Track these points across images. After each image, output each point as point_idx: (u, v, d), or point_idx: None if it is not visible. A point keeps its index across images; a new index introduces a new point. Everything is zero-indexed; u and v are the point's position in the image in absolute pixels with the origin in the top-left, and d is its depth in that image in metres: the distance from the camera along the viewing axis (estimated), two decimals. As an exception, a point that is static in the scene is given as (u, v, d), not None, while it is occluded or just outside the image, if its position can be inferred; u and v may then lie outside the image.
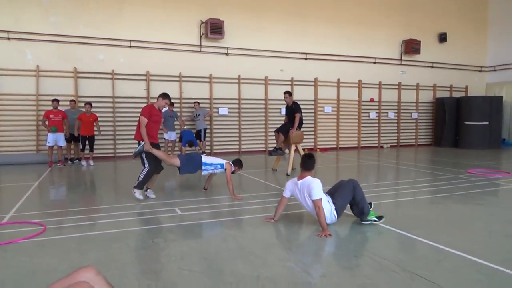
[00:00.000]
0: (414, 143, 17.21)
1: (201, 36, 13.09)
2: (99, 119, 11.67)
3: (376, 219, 4.63)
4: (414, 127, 17.24)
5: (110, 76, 12.12)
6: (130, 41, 12.26)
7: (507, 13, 17.51)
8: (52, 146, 10.35)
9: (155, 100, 6.57)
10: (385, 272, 3.25)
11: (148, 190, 6.38)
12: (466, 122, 15.78)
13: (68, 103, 11.10)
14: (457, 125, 16.27)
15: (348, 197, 4.59)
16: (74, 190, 7.50)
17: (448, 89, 17.77)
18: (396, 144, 16.79)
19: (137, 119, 12.14)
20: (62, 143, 10.47)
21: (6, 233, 4.40)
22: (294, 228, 4.64)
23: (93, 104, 11.71)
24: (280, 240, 4.10)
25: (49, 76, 11.45)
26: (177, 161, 6.31)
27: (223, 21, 12.93)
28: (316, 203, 4.29)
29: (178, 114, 12.54)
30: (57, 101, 10.42)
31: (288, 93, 9.03)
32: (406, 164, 10.94)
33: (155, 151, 6.26)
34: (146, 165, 6.23)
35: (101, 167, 10.52)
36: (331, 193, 4.76)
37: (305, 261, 3.49)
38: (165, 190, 7.53)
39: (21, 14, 11.07)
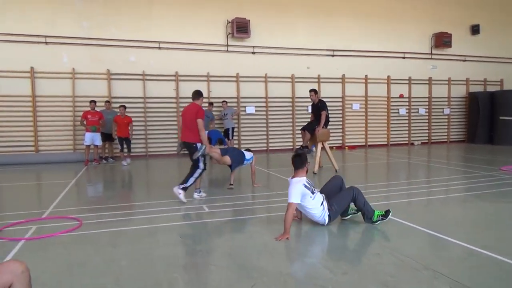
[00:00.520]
0: (446, 140, 16.74)
1: (227, 36, 13.28)
2: (132, 119, 12.14)
3: (384, 217, 4.56)
4: (446, 123, 16.76)
5: (141, 77, 12.52)
6: (159, 42, 12.61)
7: (547, 2, 16.68)
8: (89, 145, 10.84)
9: (193, 100, 6.23)
10: (407, 270, 3.27)
11: (199, 190, 6.35)
12: (501, 118, 15.19)
13: (103, 104, 11.57)
14: (491, 121, 15.69)
15: (346, 204, 4.55)
16: (108, 188, 7.85)
17: (482, 83, 17.15)
18: (427, 141, 16.39)
19: (167, 118, 12.70)
20: (98, 142, 10.97)
21: (46, 227, 4.71)
22: (317, 226, 4.69)
23: (126, 105, 12.20)
24: (304, 237, 4.18)
25: (83, 78, 11.98)
26: (228, 160, 6.76)
27: (249, 20, 13.06)
28: (288, 206, 4.20)
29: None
30: (95, 102, 10.92)
31: (314, 91, 9.03)
32: (438, 162, 10.70)
33: (213, 153, 6.59)
34: (201, 165, 6.17)
35: (133, 165, 10.91)
36: (327, 193, 4.67)
37: (327, 258, 3.56)
38: (192, 189, 7.75)
39: (57, 20, 11.62)
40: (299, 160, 4.47)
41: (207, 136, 7.37)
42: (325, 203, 4.46)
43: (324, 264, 3.43)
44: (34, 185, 8.45)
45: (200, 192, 6.34)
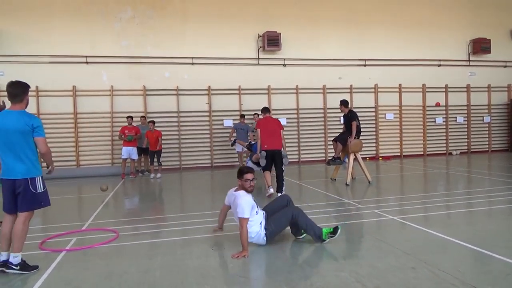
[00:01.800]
0: (487, 149, 16.00)
1: (258, 49, 13.47)
2: (166, 132, 12.52)
3: (333, 234, 4.27)
4: (487, 132, 16.04)
5: (175, 92, 12.90)
6: (193, 58, 12.97)
7: None
8: (126, 159, 11.25)
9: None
10: (443, 285, 3.17)
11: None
12: (548, 125, 14.38)
13: (139, 119, 12.00)
14: (537, 128, 14.89)
15: (283, 225, 4.35)
16: (144, 200, 8.10)
17: (526, 89, 16.35)
18: (466, 150, 15.75)
19: (201, 131, 12.96)
20: (135, 156, 11.35)
21: (85, 239, 4.93)
22: (351, 239, 4.63)
23: (160, 119, 12.65)
24: (336, 251, 4.12)
25: (121, 94, 12.49)
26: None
27: (280, 33, 13.20)
28: (240, 222, 4.09)
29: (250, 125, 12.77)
30: (131, 117, 11.35)
31: (342, 104, 8.96)
32: (478, 172, 10.26)
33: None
34: (284, 168, 7.46)
35: (168, 178, 11.19)
36: (269, 211, 4.50)
37: (359, 272, 3.50)
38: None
39: (97, 40, 12.25)
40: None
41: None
42: (263, 222, 4.29)
43: (356, 277, 3.38)
44: (75, 198, 8.85)
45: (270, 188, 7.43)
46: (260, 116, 12.85)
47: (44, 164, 4.07)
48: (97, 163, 12.32)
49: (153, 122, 11.43)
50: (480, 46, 15.31)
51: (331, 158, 9.35)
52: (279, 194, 6.77)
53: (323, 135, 14.19)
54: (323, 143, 14.21)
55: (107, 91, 12.39)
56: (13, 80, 3.83)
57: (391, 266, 3.63)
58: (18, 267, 3.68)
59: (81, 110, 12.22)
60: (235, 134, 12.07)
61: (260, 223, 4.26)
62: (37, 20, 11.87)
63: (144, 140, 11.32)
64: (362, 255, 4.00)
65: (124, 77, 12.47)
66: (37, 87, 11.56)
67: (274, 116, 13.24)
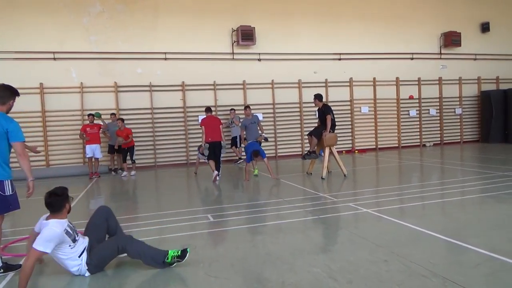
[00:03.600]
0: (459, 140, 16.39)
1: (233, 44, 13.30)
2: (139, 130, 12.25)
3: (180, 259, 3.63)
4: (459, 123, 16.42)
5: (148, 88, 12.60)
6: (165, 53, 12.69)
7: (558, -4, 16.31)
8: (91, 158, 10.90)
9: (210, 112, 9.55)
10: (415, 277, 3.14)
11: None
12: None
13: (109, 116, 11.67)
14: (505, 119, 15.33)
15: (108, 259, 3.66)
16: (116, 200, 7.85)
17: (494, 81, 16.78)
18: (439, 142, 16.08)
19: (175, 128, 12.75)
20: (98, 155, 11.02)
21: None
22: (326, 233, 4.59)
23: (133, 116, 12.35)
24: (310, 246, 4.06)
25: (92, 91, 12.10)
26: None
27: (254, 27, 13.06)
28: (30, 252, 3.31)
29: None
30: (93, 115, 11.05)
31: (316, 98, 8.95)
32: (451, 163, 10.45)
33: None
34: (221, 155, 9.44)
35: (141, 176, 10.93)
36: (93, 235, 3.82)
37: (332, 267, 3.45)
38: (201, 197, 7.71)
39: (65, 36, 11.80)
40: (57, 201, 3.53)
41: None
42: (84, 255, 3.54)
43: (329, 273, 3.32)
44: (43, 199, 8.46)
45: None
46: (236, 112, 12.99)
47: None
48: (67, 162, 11.92)
49: (122, 120, 11.14)
50: (451, 39, 15.61)
51: (306, 152, 9.33)
52: (215, 173, 8.92)
53: (299, 129, 14.18)
54: (299, 137, 14.20)
55: (76, 88, 11.98)
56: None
57: (364, 259, 3.59)
58: (1, 270, 3.63)
59: (50, 108, 11.77)
60: (244, 133, 10.69)
61: (81, 256, 3.52)
62: (2, 15, 11.34)
63: (117, 139, 11.02)
64: (336, 249, 3.96)
65: (94, 73, 12.08)
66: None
67: (252, 111, 13.33)
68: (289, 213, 5.58)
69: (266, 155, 9.21)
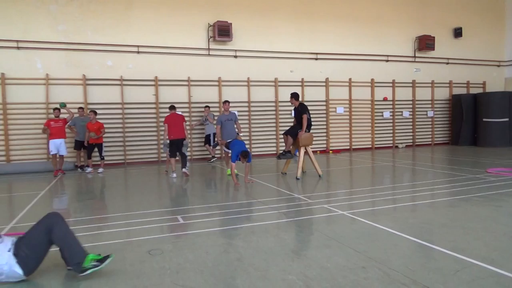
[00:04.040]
0: (430, 142, 16.69)
1: (209, 39, 12.97)
2: (109, 125, 11.75)
3: (100, 262, 3.27)
4: (430, 126, 16.72)
5: (119, 82, 12.09)
6: (138, 46, 12.22)
7: (526, 5, 16.86)
8: (56, 154, 10.31)
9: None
10: (394, 285, 2.99)
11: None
12: (484, 119, 15.21)
13: (77, 110, 11.12)
14: (475, 123, 15.71)
15: (42, 246, 3.24)
16: (78, 199, 7.40)
17: (465, 85, 17.19)
18: (411, 143, 16.31)
19: (147, 124, 12.31)
20: (63, 151, 10.38)
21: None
22: (301, 237, 4.39)
23: (103, 111, 11.82)
24: (284, 251, 3.86)
25: (58, 84, 11.49)
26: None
27: (231, 23, 12.78)
28: None
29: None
30: (58, 109, 10.43)
31: (292, 96, 8.79)
32: (422, 165, 10.55)
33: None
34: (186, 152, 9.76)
35: (109, 174, 10.46)
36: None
37: (308, 274, 3.25)
38: (171, 197, 7.39)
39: (29, 23, 11.14)
40: None
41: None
42: (12, 248, 3.16)
43: (305, 280, 3.12)
44: (1, 197, 7.91)
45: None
46: (211, 110, 12.67)
47: None
48: (31, 158, 11.27)
49: (95, 113, 10.63)
50: (425, 43, 15.84)
51: (281, 152, 9.15)
52: (184, 170, 9.22)
53: (274, 128, 14.02)
54: (274, 136, 14.04)
55: (41, 80, 11.35)
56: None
57: (342, 266, 3.41)
58: None
59: (11, 100, 11.10)
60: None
61: (9, 251, 3.15)
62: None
63: (86, 133, 10.50)
64: (312, 254, 3.76)
65: (61, 65, 11.48)
66: (-42, 73, 10.38)
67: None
68: (263, 215, 5.36)
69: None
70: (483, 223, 4.73)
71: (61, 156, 10.43)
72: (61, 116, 10.62)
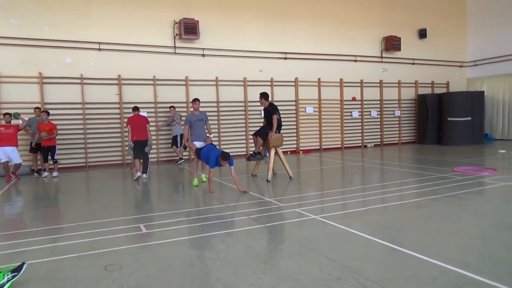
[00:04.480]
0: (397, 141, 16.96)
1: (175, 37, 12.52)
2: (69, 126, 11.14)
3: (16, 273, 3.18)
4: (397, 125, 16.99)
5: (78, 81, 11.44)
6: (99, 43, 11.60)
7: (486, 6, 17.44)
8: (7, 161, 9.51)
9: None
10: (372, 299, 2.79)
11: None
12: (449, 118, 15.60)
13: (32, 110, 10.41)
14: (440, 122, 16.09)
15: None
16: (31, 207, 6.84)
17: (430, 85, 17.60)
18: (379, 143, 16.51)
19: (110, 125, 11.68)
20: (17, 159, 9.62)
21: None
22: (272, 246, 4.14)
23: (62, 111, 11.19)
24: (255, 261, 3.59)
25: (11, 82, 10.72)
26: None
27: (198, 21, 12.39)
28: None
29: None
30: (9, 114, 9.71)
31: (262, 96, 8.54)
32: (391, 164, 10.61)
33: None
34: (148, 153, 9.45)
35: (67, 178, 9.84)
36: None
37: (274, 283, 3.00)
38: (133, 203, 6.97)
39: (-22, 17, 10.32)
40: None
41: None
42: None
43: (277, 297, 2.87)
44: None
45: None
46: (178, 110, 12.22)
47: None
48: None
49: (47, 113, 9.95)
50: (392, 44, 16.07)
51: (251, 153, 8.89)
52: (144, 175, 9.11)
53: (244, 129, 13.75)
54: (244, 137, 13.78)
55: (-8, 78, 10.55)
56: None
57: (315, 277, 3.19)
58: None
59: (-41, 100, 10.26)
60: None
61: None
62: None
63: (36, 134, 9.82)
64: (284, 265, 3.51)
65: (14, 61, 10.71)
66: None
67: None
68: (232, 221, 5.09)
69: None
70: (454, 223, 4.66)
71: (16, 165, 9.66)
72: (13, 122, 9.86)
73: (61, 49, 11.20)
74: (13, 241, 4.54)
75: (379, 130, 16.51)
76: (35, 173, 10.42)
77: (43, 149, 9.96)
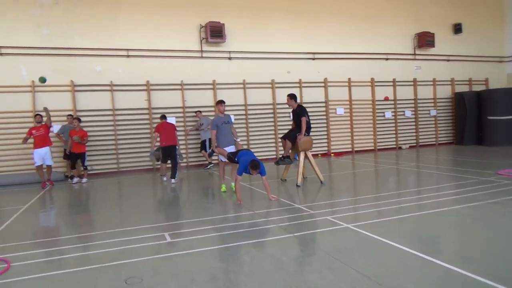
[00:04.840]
0: (434, 142, 16.17)
1: (201, 41, 12.48)
2: (100, 133, 11.32)
3: None
4: (434, 125, 16.21)
5: (108, 87, 11.60)
6: (128, 50, 11.73)
7: (528, -2, 16.40)
8: (41, 165, 9.76)
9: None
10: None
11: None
12: (489, 117, 14.70)
13: (65, 118, 10.66)
14: (479, 121, 15.18)
15: None
16: (63, 214, 6.90)
17: (467, 82, 16.70)
18: (415, 144, 15.80)
19: (140, 131, 11.71)
20: (49, 161, 9.82)
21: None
22: (301, 259, 3.88)
23: (93, 118, 11.38)
24: (282, 276, 3.34)
25: (45, 91, 10.99)
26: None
27: (223, 24, 12.30)
28: None
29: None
30: (40, 115, 9.87)
31: (290, 96, 8.27)
32: (427, 167, 10.04)
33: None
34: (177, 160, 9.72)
35: (98, 184, 9.95)
36: None
37: (310, 308, 2.74)
38: (160, 209, 6.87)
39: (12, 28, 10.65)
40: None
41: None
42: None
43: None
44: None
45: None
46: (205, 114, 12.14)
47: None
48: (17, 169, 10.74)
49: (79, 120, 10.15)
50: (425, 40, 15.37)
51: (280, 157, 8.64)
52: (173, 180, 9.20)
53: (273, 131, 13.52)
54: (273, 140, 13.54)
55: (27, 87, 10.85)
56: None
57: (348, 296, 2.91)
58: None
59: (-3, 109, 10.61)
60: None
61: None
62: None
63: (69, 141, 10.01)
64: (314, 281, 3.24)
65: (47, 71, 10.91)
66: None
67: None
68: (259, 230, 4.86)
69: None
70: (501, 234, 4.23)
71: (48, 166, 9.91)
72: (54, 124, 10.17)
73: (91, 57, 11.39)
74: (40, 249, 4.51)
75: (414, 130, 15.82)
76: (69, 179, 10.61)
77: (72, 155, 10.14)
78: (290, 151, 8.44)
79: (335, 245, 4.12)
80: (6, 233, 5.40)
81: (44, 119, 9.84)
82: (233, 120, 8.32)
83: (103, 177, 11.06)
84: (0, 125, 10.64)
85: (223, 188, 7.77)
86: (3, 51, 10.59)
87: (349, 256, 3.72)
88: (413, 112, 15.74)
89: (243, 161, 6.49)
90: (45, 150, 9.68)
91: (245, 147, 12.84)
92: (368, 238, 4.26)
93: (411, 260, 3.57)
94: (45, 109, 9.82)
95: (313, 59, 14.04)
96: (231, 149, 7.65)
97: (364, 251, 3.89)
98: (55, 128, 10.60)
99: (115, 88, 11.65)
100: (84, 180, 10.25)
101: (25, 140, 9.59)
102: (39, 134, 9.64)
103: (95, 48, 11.39)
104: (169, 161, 9.66)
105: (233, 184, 7.60)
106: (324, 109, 14.27)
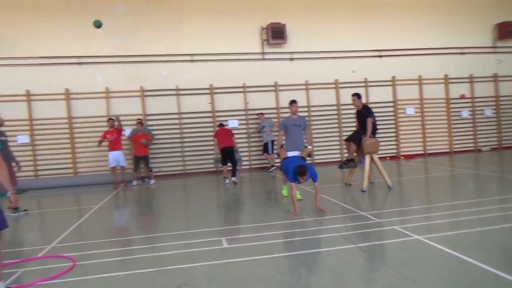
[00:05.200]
0: (520, 144, 14.52)
1: (263, 43, 12.44)
2: (166, 136, 11.74)
3: None
4: (519, 125, 14.55)
5: (174, 92, 12.00)
6: (192, 55, 12.06)
7: None
8: (115, 167, 10.36)
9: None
10: None
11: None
12: None
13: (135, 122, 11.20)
14: None
15: None
16: (131, 214, 7.19)
17: (560, 76, 14.76)
18: (497, 146, 14.30)
19: (204, 133, 11.94)
20: (123, 162, 10.44)
21: (37, 270, 4.01)
22: (365, 274, 3.56)
23: (160, 121, 11.84)
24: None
25: (117, 96, 11.67)
26: None
27: (285, 25, 12.15)
28: None
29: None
30: (113, 119, 10.47)
31: (356, 95, 7.84)
32: (513, 171, 8.97)
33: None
34: (236, 160, 9.98)
35: (164, 186, 10.29)
36: None
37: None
38: (220, 212, 6.86)
39: (89, 39, 11.44)
40: None
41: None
42: None
43: None
44: (54, 212, 7.89)
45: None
46: (268, 116, 12.06)
47: None
48: (94, 170, 11.50)
49: (141, 124, 10.62)
50: (507, 31, 13.85)
51: (344, 161, 8.24)
52: (233, 178, 9.55)
53: (337, 133, 13.05)
54: (338, 142, 13.07)
55: (102, 93, 11.60)
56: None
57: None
58: None
59: (76, 114, 11.49)
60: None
61: None
62: (24, 21, 11.17)
63: (141, 141, 10.51)
64: (378, 299, 2.93)
65: (120, 77, 11.65)
66: (27, 91, 10.94)
67: (283, 115, 12.40)
68: (320, 239, 4.60)
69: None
70: None
71: (122, 167, 10.49)
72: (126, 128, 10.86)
73: (158, 63, 11.88)
74: (102, 250, 4.68)
75: (496, 131, 14.33)
76: (139, 181, 11.11)
77: (135, 158, 10.63)
78: (355, 154, 8.02)
79: (403, 259, 3.73)
80: (76, 232, 5.72)
81: (116, 123, 10.42)
82: (306, 124, 7.27)
83: (170, 179, 11.44)
84: (78, 129, 11.49)
85: (285, 190, 7.53)
86: (82, 60, 11.42)
87: (419, 274, 3.32)
88: (495, 111, 14.27)
89: (290, 169, 5.86)
90: (118, 153, 10.32)
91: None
92: (442, 252, 3.80)
93: (492, 280, 3.09)
94: (117, 117, 10.52)
95: (379, 56, 13.32)
96: (294, 154, 6.88)
97: (436, 268, 3.46)
98: (127, 132, 11.19)
99: (180, 92, 12.02)
100: (152, 181, 10.69)
101: (99, 143, 10.27)
102: (113, 138, 10.26)
103: (162, 54, 11.86)
104: (229, 164, 9.80)
105: (284, 187, 7.38)
106: (392, 109, 13.47)
